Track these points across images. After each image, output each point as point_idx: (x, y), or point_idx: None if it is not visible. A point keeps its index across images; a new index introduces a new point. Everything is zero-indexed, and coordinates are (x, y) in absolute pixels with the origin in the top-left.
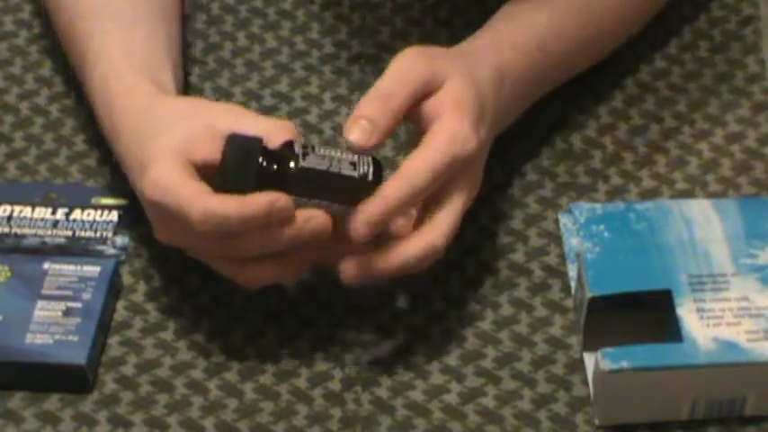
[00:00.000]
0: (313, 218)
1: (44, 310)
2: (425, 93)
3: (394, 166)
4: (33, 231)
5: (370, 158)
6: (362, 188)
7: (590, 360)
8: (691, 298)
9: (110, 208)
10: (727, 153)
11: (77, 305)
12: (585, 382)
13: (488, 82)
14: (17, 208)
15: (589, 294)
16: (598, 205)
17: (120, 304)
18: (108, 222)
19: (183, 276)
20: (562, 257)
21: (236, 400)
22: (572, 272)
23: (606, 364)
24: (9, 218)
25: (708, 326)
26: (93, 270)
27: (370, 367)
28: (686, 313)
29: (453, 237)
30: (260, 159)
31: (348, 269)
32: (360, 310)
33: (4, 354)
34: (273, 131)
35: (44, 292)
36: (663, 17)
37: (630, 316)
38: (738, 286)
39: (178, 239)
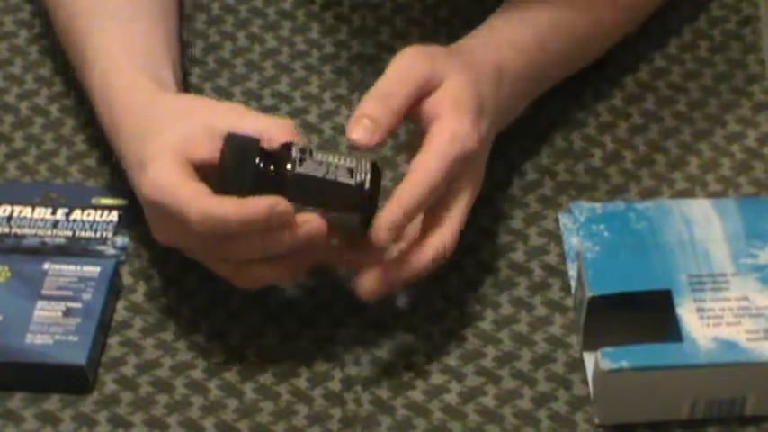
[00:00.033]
0: (307, 222)
1: (44, 311)
2: (425, 92)
3: (394, 166)
4: (33, 231)
5: (368, 165)
6: (358, 197)
7: (590, 359)
8: (691, 298)
9: (110, 208)
10: (727, 153)
11: (77, 305)
12: (585, 382)
13: (487, 79)
14: (17, 208)
15: (589, 294)
16: (598, 205)
17: (120, 304)
18: (108, 222)
19: (183, 277)
20: (562, 257)
21: (236, 400)
22: (572, 271)
23: (606, 364)
24: (9, 218)
25: (708, 325)
26: (93, 270)
27: (370, 367)
28: (686, 313)
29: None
30: (257, 160)
31: (365, 284)
32: (360, 310)
33: (4, 354)
34: (274, 130)
35: (44, 292)
36: (663, 17)
37: (630, 315)
38: (738, 286)
39: (175, 239)
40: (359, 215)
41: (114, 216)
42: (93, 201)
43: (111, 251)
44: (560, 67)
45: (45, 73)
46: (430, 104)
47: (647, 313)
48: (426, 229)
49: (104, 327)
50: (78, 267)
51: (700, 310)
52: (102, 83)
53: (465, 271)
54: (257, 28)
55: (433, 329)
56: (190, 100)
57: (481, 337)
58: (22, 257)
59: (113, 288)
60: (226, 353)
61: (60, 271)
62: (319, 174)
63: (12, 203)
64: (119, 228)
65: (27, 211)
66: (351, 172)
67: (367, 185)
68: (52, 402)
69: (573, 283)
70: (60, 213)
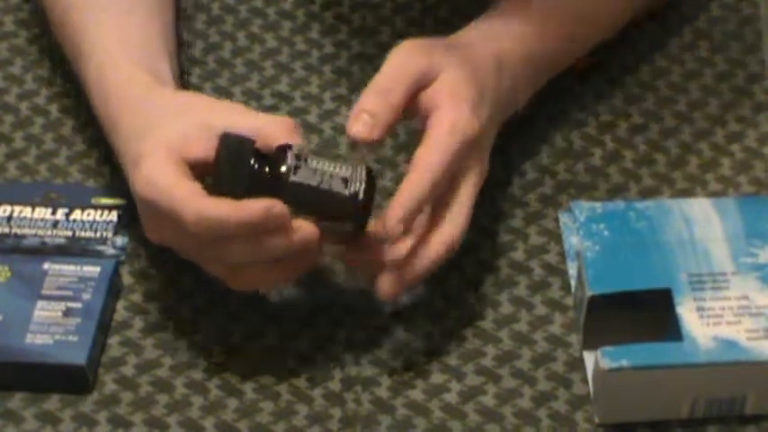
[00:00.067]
0: (301, 228)
1: (44, 311)
2: (422, 85)
3: (394, 165)
4: (33, 231)
5: (363, 173)
6: (351, 207)
7: (590, 358)
8: (691, 297)
9: (110, 208)
10: (728, 152)
11: (77, 305)
12: (585, 381)
13: (487, 70)
14: (17, 208)
15: (589, 293)
16: (598, 204)
17: (120, 304)
18: (108, 222)
19: (183, 276)
20: (562, 256)
21: (236, 400)
22: (572, 270)
23: (606, 363)
24: (9, 218)
25: (708, 325)
26: (93, 270)
27: (370, 367)
28: (686, 312)
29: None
30: (251, 161)
31: (385, 287)
32: (360, 309)
33: (4, 354)
34: (272, 128)
35: (44, 292)
36: (663, 17)
37: (630, 315)
38: (738, 285)
39: (168, 239)
40: (351, 224)
41: (114, 216)
42: (93, 201)
43: (111, 251)
44: (561, 56)
45: (45, 73)
46: (428, 96)
47: (647, 312)
48: (436, 220)
49: (104, 327)
50: (78, 267)
51: (700, 309)
52: (98, 76)
53: (465, 271)
54: (257, 28)
55: (433, 329)
56: (188, 97)
57: (481, 336)
58: (22, 257)
59: (113, 288)
60: (226, 353)
61: (60, 271)
62: (313, 182)
63: (12, 203)
64: (119, 228)
65: (27, 211)
66: (345, 181)
67: (361, 196)
68: (52, 402)
69: (573, 283)
70: (60, 213)
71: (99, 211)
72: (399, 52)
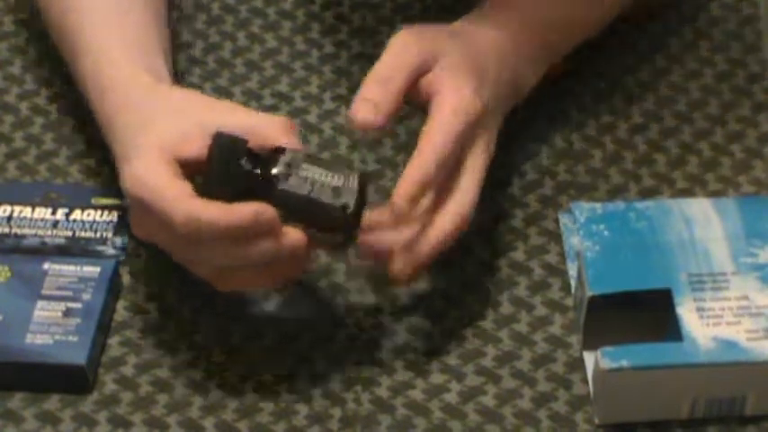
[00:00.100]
0: (289, 234)
1: (44, 311)
2: (422, 71)
3: (394, 165)
4: (33, 231)
5: (355, 183)
6: (341, 219)
7: (590, 359)
8: (690, 297)
9: (110, 208)
10: (728, 152)
11: (77, 305)
12: (585, 381)
13: (486, 52)
14: (17, 208)
15: (589, 293)
16: (598, 204)
17: (120, 304)
18: (108, 222)
19: (183, 276)
20: (562, 256)
21: (236, 400)
22: (572, 271)
23: (606, 363)
24: (9, 218)
25: (708, 325)
26: (93, 270)
27: (370, 367)
28: (686, 312)
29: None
30: (243, 162)
31: (397, 267)
32: (360, 309)
33: (4, 354)
34: (268, 127)
35: (44, 292)
36: (663, 17)
37: (630, 315)
38: (738, 285)
39: (156, 237)
40: (340, 234)
41: (114, 216)
42: (93, 201)
43: (111, 251)
44: (565, 37)
45: (45, 73)
46: (428, 82)
47: (647, 312)
48: (443, 200)
49: (104, 327)
50: (78, 267)
51: (700, 309)
52: (94, 73)
53: (465, 271)
54: (257, 28)
55: (433, 329)
56: (185, 95)
57: (481, 336)
58: (22, 257)
59: (113, 288)
60: (226, 353)
61: (60, 271)
62: (303, 191)
63: (12, 203)
64: (119, 228)
65: (27, 211)
66: (336, 191)
67: (351, 207)
68: (52, 402)
69: (573, 283)
70: (60, 213)
71: (99, 211)
72: (398, 40)
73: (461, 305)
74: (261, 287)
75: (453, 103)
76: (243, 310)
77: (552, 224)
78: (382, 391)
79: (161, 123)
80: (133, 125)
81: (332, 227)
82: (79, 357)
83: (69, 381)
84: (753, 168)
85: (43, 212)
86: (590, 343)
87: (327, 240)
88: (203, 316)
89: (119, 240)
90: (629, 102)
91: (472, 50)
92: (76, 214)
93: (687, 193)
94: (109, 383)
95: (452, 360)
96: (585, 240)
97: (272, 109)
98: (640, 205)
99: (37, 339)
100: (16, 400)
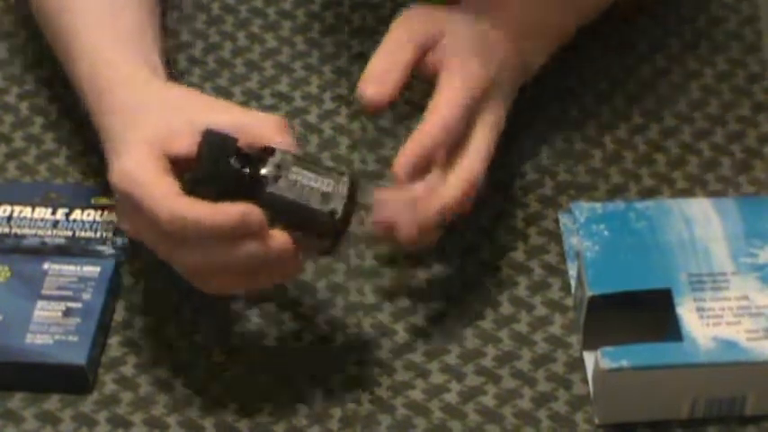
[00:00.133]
0: (275, 237)
1: (44, 311)
2: (428, 47)
3: None
4: (33, 231)
5: (346, 189)
6: (328, 225)
7: (590, 359)
8: (690, 297)
9: (110, 208)
10: (727, 152)
11: (77, 305)
12: (585, 381)
13: (493, 28)
14: (17, 208)
15: (589, 293)
16: (598, 204)
17: (120, 304)
18: (108, 222)
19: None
20: (562, 256)
21: (236, 400)
22: (572, 271)
23: (606, 363)
24: (9, 218)
25: (708, 325)
26: (93, 270)
27: (370, 367)
28: (686, 312)
29: (488, 166)
30: (232, 160)
31: (402, 230)
32: (360, 309)
33: (4, 354)
34: (260, 126)
35: (44, 292)
36: (663, 17)
37: (630, 315)
38: (738, 285)
39: (140, 233)
40: (327, 240)
41: (114, 216)
42: (93, 201)
43: (111, 251)
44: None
45: (45, 73)
46: (435, 57)
47: (647, 312)
48: (452, 165)
49: (104, 327)
50: (78, 267)
51: (700, 309)
52: (90, 69)
53: (465, 271)
54: (257, 28)
55: (434, 329)
56: (180, 92)
57: (481, 336)
58: (22, 257)
59: (113, 288)
60: (226, 353)
61: (60, 271)
62: (291, 195)
63: (12, 203)
64: (119, 228)
65: (27, 211)
66: (325, 197)
67: (339, 213)
68: (52, 402)
69: (573, 283)
70: (60, 213)
71: (99, 211)
72: (403, 17)
73: (461, 305)
74: (245, 291)
75: (459, 77)
76: (243, 309)
77: (552, 224)
78: (382, 391)
79: (152, 119)
80: (125, 119)
81: (319, 232)
82: (79, 357)
83: (69, 381)
84: (753, 168)
85: (43, 212)
86: (590, 343)
87: (314, 245)
88: (203, 316)
89: (119, 240)
90: (629, 102)
91: (477, 26)
92: (76, 214)
93: (687, 193)
94: (109, 383)
95: (452, 360)
96: (585, 240)
97: (272, 109)
98: (640, 205)
99: (37, 339)
100: (16, 400)
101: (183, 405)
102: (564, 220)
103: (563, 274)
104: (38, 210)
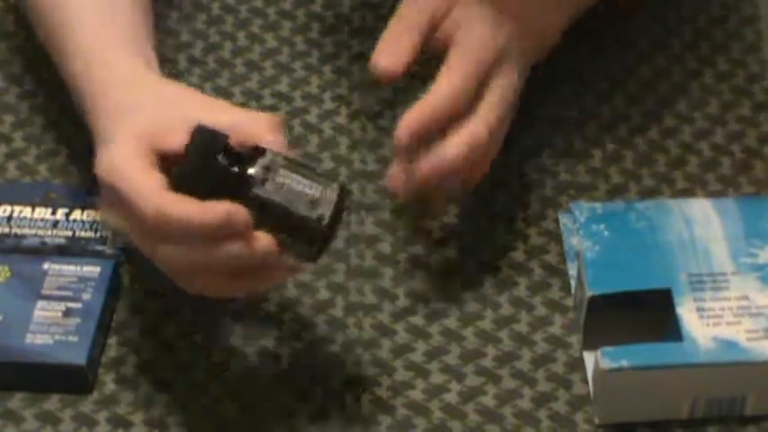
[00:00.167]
0: (259, 239)
1: (44, 311)
2: (439, 18)
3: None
4: (33, 231)
5: (335, 196)
6: (314, 232)
7: (590, 359)
8: (690, 297)
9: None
10: (728, 152)
11: (77, 305)
12: (585, 381)
13: (504, 1)
14: (17, 208)
15: (589, 293)
16: (598, 204)
17: (120, 304)
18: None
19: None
20: (562, 256)
21: (236, 401)
22: (572, 271)
23: (606, 363)
24: (9, 218)
25: (708, 325)
26: (92, 270)
27: (370, 367)
28: (686, 312)
29: (498, 130)
30: (220, 157)
31: (393, 178)
32: (360, 309)
33: (4, 354)
34: (252, 124)
35: (44, 292)
36: (663, 17)
37: (630, 315)
38: (738, 285)
39: (122, 226)
40: (312, 247)
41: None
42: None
43: (111, 251)
44: None
45: (45, 73)
46: (445, 28)
47: (647, 312)
48: (462, 122)
49: (104, 327)
50: (78, 267)
51: (700, 309)
52: (84, 73)
53: (465, 271)
54: (257, 28)
55: (433, 329)
56: (174, 88)
57: (481, 336)
58: (22, 257)
59: (113, 288)
60: (226, 353)
61: (60, 271)
62: (278, 199)
63: (12, 203)
64: (102, 221)
65: (27, 211)
66: (312, 203)
67: (325, 220)
68: (52, 402)
69: (573, 283)
70: (60, 213)
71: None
72: None
73: (461, 305)
74: (227, 294)
75: (468, 47)
76: (243, 309)
77: (552, 224)
78: (382, 391)
79: (145, 113)
80: (118, 108)
81: (303, 237)
82: (79, 357)
83: (69, 381)
84: (753, 168)
85: (43, 212)
86: (590, 343)
87: (299, 251)
88: (203, 316)
89: (119, 240)
90: (629, 102)
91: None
92: (76, 214)
93: (687, 193)
94: (109, 383)
95: (452, 360)
96: (585, 240)
97: (272, 109)
98: (640, 205)
99: (37, 339)
100: (16, 400)
101: (183, 405)
102: (564, 220)
103: (563, 274)
104: (38, 210)
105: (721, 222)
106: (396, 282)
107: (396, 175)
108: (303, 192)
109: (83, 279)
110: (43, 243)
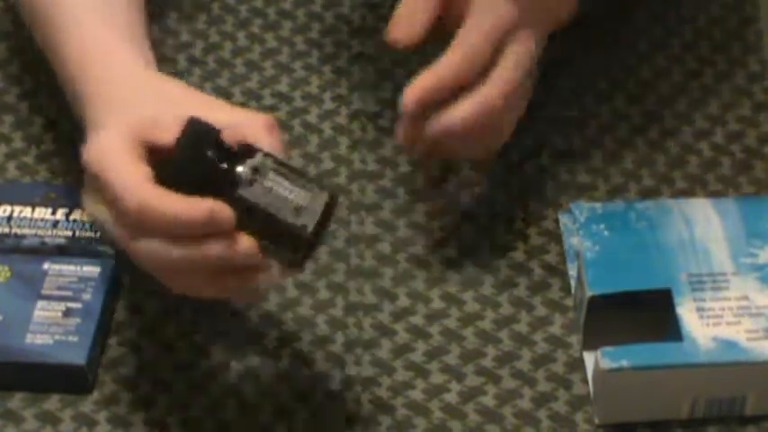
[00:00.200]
0: (242, 241)
1: (44, 311)
2: None
3: (394, 165)
4: (33, 231)
5: (322, 204)
6: (298, 239)
7: (590, 359)
8: (690, 297)
9: None
10: (728, 152)
11: (77, 305)
12: (585, 381)
13: None
14: (17, 208)
15: (589, 293)
16: (598, 204)
17: (120, 304)
18: None
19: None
20: (562, 256)
21: (236, 401)
22: (572, 271)
23: (606, 363)
24: (9, 218)
25: (708, 325)
26: (92, 270)
27: (370, 367)
28: (686, 312)
29: (513, 96)
30: (210, 152)
31: (399, 130)
32: (360, 309)
33: (4, 354)
34: (246, 124)
35: (44, 292)
36: (663, 17)
37: (630, 315)
38: (738, 285)
39: (103, 216)
40: (295, 254)
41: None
42: None
43: (111, 251)
44: None
45: (45, 73)
46: (459, 6)
47: (647, 312)
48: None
49: (104, 327)
50: (78, 267)
51: (700, 309)
52: (81, 71)
53: (465, 270)
54: (257, 28)
55: (433, 329)
56: (173, 84)
57: (481, 336)
58: (22, 257)
59: (113, 288)
60: (226, 353)
61: (60, 271)
62: (262, 203)
63: (12, 203)
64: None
65: (27, 211)
66: (297, 210)
67: (309, 229)
68: (52, 402)
69: (573, 283)
70: (60, 213)
71: None
72: None
73: (461, 305)
74: (209, 294)
75: (482, 15)
76: (243, 309)
77: (552, 224)
78: (382, 392)
79: (140, 105)
80: (113, 101)
81: (286, 244)
82: (79, 357)
83: (69, 381)
84: (753, 168)
85: (43, 212)
86: (590, 343)
87: (282, 256)
88: (203, 316)
89: None
90: (629, 102)
91: None
92: (76, 214)
93: (687, 193)
94: (109, 383)
95: (452, 360)
96: (585, 240)
97: (271, 109)
98: (640, 205)
99: (37, 339)
100: (16, 400)
101: (183, 405)
102: (564, 220)
103: (563, 274)
104: (38, 210)
105: (721, 222)
106: (396, 282)
107: (406, 131)
108: (290, 198)
109: (83, 279)
110: (43, 243)
